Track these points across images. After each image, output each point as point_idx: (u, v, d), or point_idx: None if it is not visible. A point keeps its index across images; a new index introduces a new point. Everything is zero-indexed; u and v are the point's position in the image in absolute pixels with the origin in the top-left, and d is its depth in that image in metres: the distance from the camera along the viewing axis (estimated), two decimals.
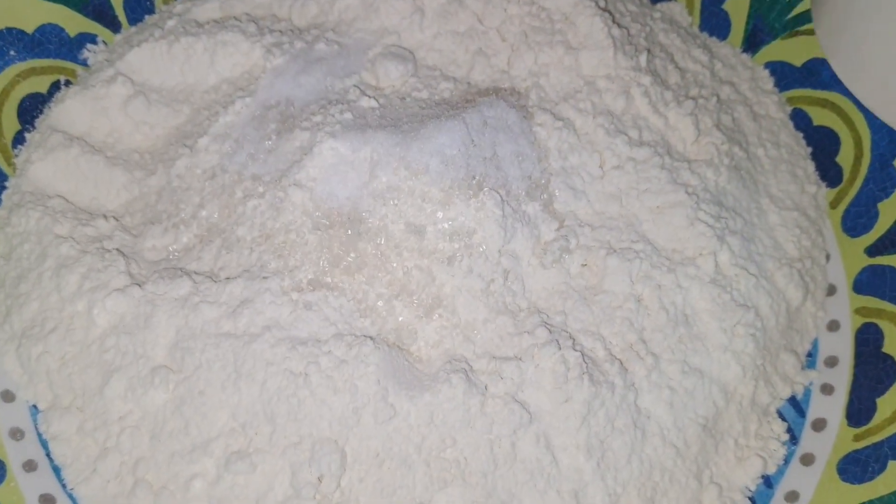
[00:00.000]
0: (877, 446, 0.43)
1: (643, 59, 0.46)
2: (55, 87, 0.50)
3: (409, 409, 0.38)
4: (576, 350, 0.39)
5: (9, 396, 0.43)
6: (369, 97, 0.44)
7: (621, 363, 0.40)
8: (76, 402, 0.42)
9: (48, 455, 0.42)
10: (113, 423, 0.40)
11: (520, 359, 0.39)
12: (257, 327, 0.39)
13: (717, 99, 0.49)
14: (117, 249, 0.43)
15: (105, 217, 0.45)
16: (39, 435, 0.42)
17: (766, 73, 0.53)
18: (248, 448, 0.39)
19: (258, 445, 0.39)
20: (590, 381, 0.39)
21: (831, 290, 0.48)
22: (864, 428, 0.44)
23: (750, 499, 0.42)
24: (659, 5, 0.54)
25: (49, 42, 0.50)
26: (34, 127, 0.49)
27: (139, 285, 0.41)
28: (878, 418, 0.43)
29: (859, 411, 0.44)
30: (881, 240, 0.48)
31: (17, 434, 0.43)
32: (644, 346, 0.41)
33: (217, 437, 0.39)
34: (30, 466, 0.42)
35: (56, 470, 0.41)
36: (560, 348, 0.39)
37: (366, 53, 0.46)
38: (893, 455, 0.42)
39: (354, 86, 0.44)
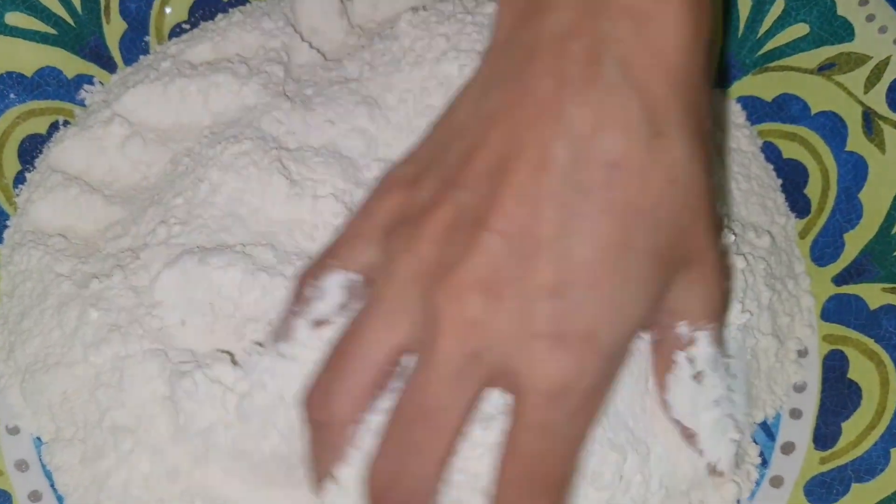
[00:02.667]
0: (840, 469, 0.45)
1: None
2: (54, 127, 0.51)
3: None
4: None
5: (14, 429, 0.45)
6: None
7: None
8: (78, 434, 0.44)
9: (52, 486, 0.44)
10: (112, 454, 0.42)
11: None
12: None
13: None
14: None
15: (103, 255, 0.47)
16: (44, 466, 0.44)
17: (739, 107, 0.55)
18: None
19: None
20: None
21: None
22: (829, 451, 0.46)
23: None
24: None
25: (48, 84, 0.51)
26: (34, 167, 0.50)
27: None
28: (842, 442, 0.46)
29: (825, 435, 0.46)
30: (847, 269, 0.50)
31: (22, 466, 0.45)
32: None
33: None
34: (35, 497, 0.44)
35: (60, 500, 0.44)
36: None
37: None
38: (856, 478, 0.44)
39: None
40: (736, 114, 0.55)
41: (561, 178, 0.32)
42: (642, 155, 0.32)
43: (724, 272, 0.38)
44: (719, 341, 0.38)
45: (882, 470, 0.43)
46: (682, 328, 0.36)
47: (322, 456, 0.36)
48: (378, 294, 0.35)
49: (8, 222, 0.49)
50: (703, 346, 0.37)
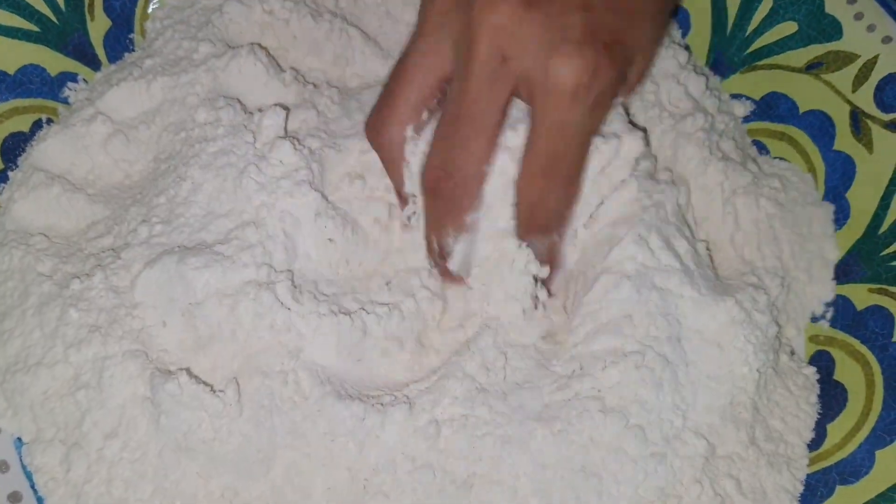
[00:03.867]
0: (825, 471, 0.44)
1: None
2: (37, 125, 0.51)
3: None
4: None
5: None
6: None
7: None
8: (59, 434, 0.44)
9: (33, 486, 0.43)
10: (93, 454, 0.42)
11: None
12: None
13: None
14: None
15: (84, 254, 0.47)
16: (24, 467, 0.44)
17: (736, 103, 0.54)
18: None
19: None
20: None
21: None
22: (814, 453, 0.45)
23: None
24: None
25: (31, 82, 0.51)
26: (17, 165, 0.50)
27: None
28: (827, 444, 0.45)
29: (812, 437, 0.46)
30: (834, 270, 0.49)
31: (2, 466, 0.44)
32: None
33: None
34: (15, 498, 0.43)
35: (40, 501, 0.43)
36: None
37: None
38: (841, 480, 0.44)
39: None
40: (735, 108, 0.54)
41: None
42: None
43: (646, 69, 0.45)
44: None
45: (867, 472, 0.43)
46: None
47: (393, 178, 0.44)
48: (421, 26, 0.41)
49: None
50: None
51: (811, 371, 0.47)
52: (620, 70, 0.39)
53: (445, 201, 0.41)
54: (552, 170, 0.40)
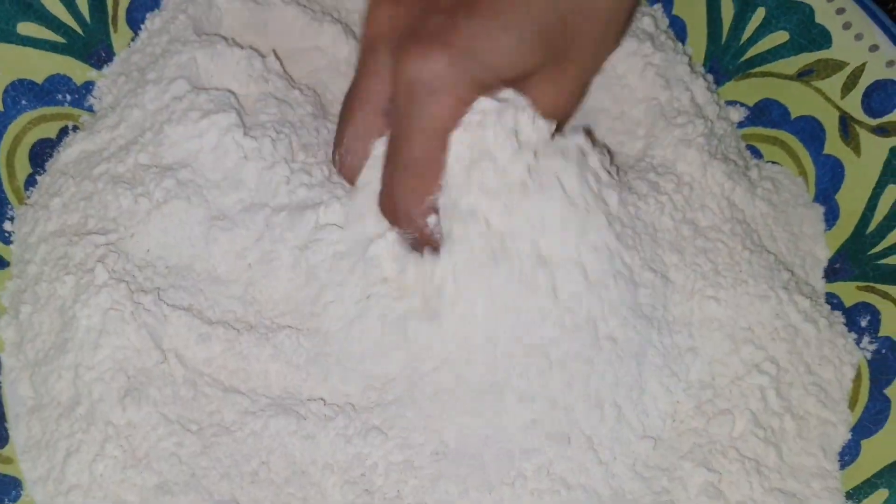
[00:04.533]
0: None
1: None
2: (63, 132, 0.54)
3: None
4: None
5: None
6: None
7: None
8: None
9: None
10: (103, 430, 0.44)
11: None
12: None
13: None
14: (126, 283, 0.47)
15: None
16: None
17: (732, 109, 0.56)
18: None
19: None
20: None
21: None
22: None
23: None
24: None
25: (57, 91, 0.54)
26: (44, 170, 0.53)
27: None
28: None
29: None
30: (825, 271, 0.52)
31: None
32: None
33: None
34: None
35: None
36: None
37: None
38: None
39: None
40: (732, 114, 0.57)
41: None
42: None
43: (578, 89, 0.46)
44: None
45: (853, 460, 0.45)
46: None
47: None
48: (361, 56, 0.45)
49: (19, 223, 0.51)
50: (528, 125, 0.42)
51: None
52: (466, 77, 0.40)
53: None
54: (393, 160, 0.43)
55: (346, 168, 0.46)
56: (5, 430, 0.46)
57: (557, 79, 0.43)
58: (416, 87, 0.40)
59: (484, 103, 0.41)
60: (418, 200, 0.42)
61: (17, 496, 0.44)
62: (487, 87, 0.41)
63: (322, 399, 0.44)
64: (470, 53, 0.40)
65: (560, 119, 0.44)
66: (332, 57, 0.54)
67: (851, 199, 0.51)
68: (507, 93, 0.42)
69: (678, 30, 0.58)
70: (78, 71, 0.54)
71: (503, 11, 0.40)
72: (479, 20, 0.40)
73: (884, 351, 0.47)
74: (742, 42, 0.56)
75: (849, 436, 0.46)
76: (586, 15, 0.43)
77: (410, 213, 0.43)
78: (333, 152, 0.47)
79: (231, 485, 0.42)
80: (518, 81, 0.42)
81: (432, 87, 0.40)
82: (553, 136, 0.43)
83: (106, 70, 0.55)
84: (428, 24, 0.41)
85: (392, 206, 0.43)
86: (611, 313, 0.42)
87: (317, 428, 0.43)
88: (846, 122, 0.52)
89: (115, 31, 0.56)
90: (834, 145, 0.52)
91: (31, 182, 0.52)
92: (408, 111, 0.41)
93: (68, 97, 0.54)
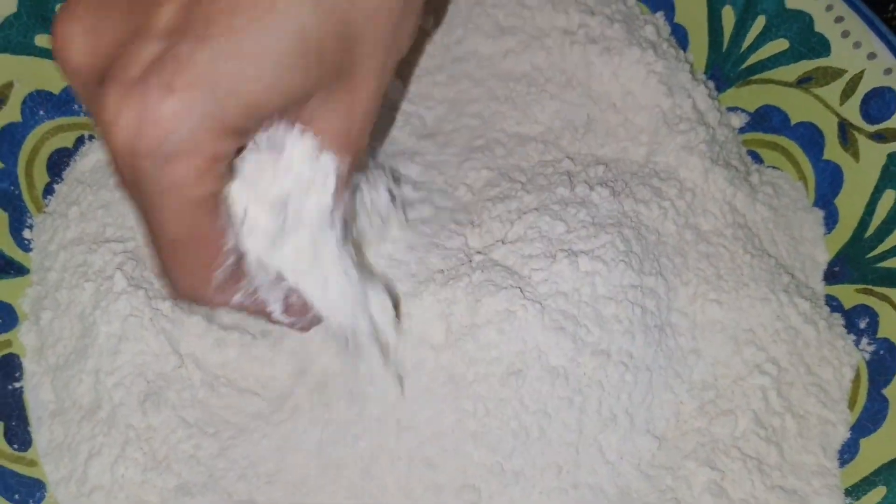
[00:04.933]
0: None
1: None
2: (80, 141, 0.55)
3: None
4: None
5: None
6: None
7: None
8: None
9: None
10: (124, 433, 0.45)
11: None
12: None
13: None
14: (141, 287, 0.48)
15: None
16: None
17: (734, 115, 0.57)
18: None
19: None
20: None
21: None
22: None
23: None
24: None
25: (74, 101, 0.55)
26: (62, 179, 0.54)
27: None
28: None
29: None
30: (823, 271, 0.53)
31: None
32: None
33: None
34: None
35: None
36: None
37: None
38: None
39: None
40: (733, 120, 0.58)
41: None
42: None
43: (373, 108, 0.35)
44: (342, 177, 0.35)
45: (852, 458, 0.46)
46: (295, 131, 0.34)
47: None
48: None
49: (38, 231, 0.53)
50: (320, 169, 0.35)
51: None
52: (218, 118, 0.30)
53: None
54: (154, 243, 0.34)
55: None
56: (28, 433, 0.47)
57: (344, 99, 0.34)
58: (137, 158, 0.30)
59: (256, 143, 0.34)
60: (204, 281, 0.34)
61: (42, 497, 0.45)
62: (244, 129, 0.31)
63: None
64: (207, 91, 0.29)
65: (353, 151, 0.35)
66: None
67: (850, 203, 0.52)
68: (280, 127, 0.33)
69: (680, 38, 0.59)
70: None
71: (245, 27, 0.30)
72: (212, 44, 0.29)
73: (882, 352, 0.49)
74: (743, 50, 0.57)
75: (848, 435, 0.47)
76: (367, 14, 0.33)
77: (207, 298, 0.35)
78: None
79: (248, 485, 0.44)
80: (291, 111, 0.33)
81: (161, 152, 0.29)
82: (349, 171, 0.36)
83: None
84: (139, 56, 0.30)
85: (184, 295, 0.35)
86: (623, 336, 0.44)
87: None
88: (845, 129, 0.53)
89: None
90: (833, 151, 0.53)
91: (49, 191, 0.54)
92: (139, 187, 0.31)
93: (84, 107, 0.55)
